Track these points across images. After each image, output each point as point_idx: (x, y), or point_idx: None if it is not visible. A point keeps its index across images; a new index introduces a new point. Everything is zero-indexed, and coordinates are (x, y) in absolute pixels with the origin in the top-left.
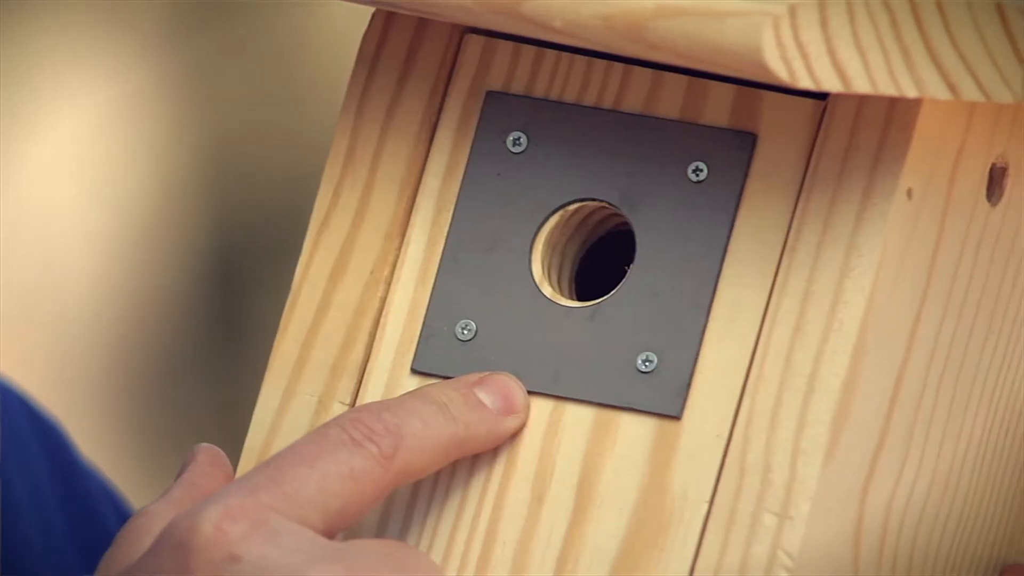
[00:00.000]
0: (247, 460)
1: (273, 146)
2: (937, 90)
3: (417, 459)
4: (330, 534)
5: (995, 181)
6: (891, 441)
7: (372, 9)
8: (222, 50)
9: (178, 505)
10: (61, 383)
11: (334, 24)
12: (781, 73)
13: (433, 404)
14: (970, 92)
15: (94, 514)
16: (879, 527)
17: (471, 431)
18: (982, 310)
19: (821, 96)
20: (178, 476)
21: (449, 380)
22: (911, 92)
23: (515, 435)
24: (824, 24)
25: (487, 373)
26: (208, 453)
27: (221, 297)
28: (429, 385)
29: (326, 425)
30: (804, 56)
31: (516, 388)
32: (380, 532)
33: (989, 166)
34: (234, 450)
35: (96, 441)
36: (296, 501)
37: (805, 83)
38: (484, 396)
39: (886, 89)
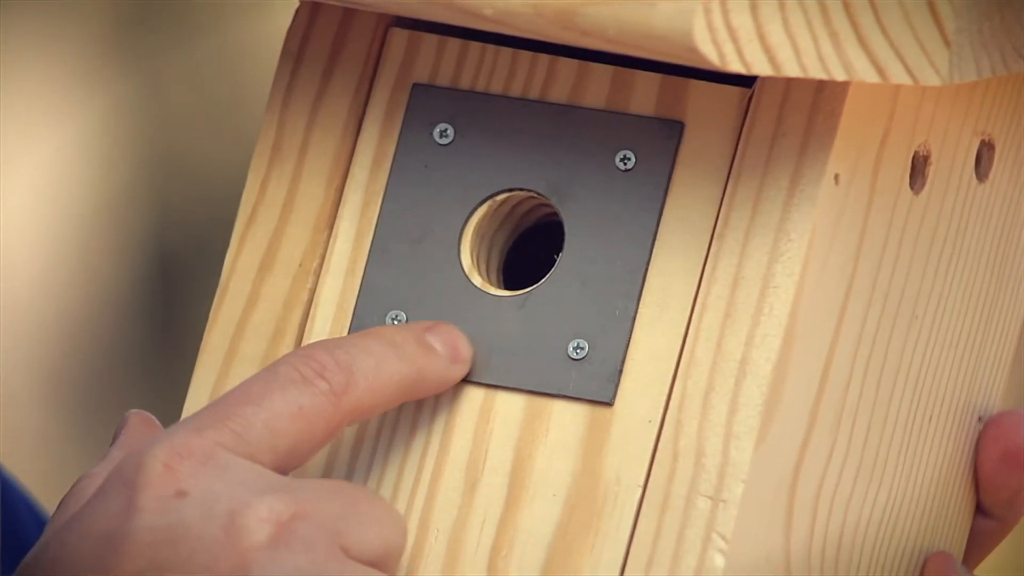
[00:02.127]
0: None
1: (215, 148)
2: (866, 73)
3: (368, 398)
4: (280, 472)
5: (918, 170)
6: (820, 425)
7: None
8: (165, 54)
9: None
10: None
11: (276, 32)
12: (712, 57)
13: (386, 343)
14: (898, 75)
15: (14, 522)
16: (810, 510)
17: (423, 373)
18: (905, 298)
19: (747, 84)
20: (113, 441)
21: (400, 324)
22: (840, 76)
23: (458, 384)
24: (754, 9)
25: (435, 321)
26: (140, 416)
27: (162, 298)
28: (380, 327)
29: (276, 363)
30: (735, 40)
31: (462, 338)
32: None
33: (912, 154)
34: None
35: (37, 440)
36: (244, 439)
37: (736, 67)
38: (434, 341)
39: (816, 73)
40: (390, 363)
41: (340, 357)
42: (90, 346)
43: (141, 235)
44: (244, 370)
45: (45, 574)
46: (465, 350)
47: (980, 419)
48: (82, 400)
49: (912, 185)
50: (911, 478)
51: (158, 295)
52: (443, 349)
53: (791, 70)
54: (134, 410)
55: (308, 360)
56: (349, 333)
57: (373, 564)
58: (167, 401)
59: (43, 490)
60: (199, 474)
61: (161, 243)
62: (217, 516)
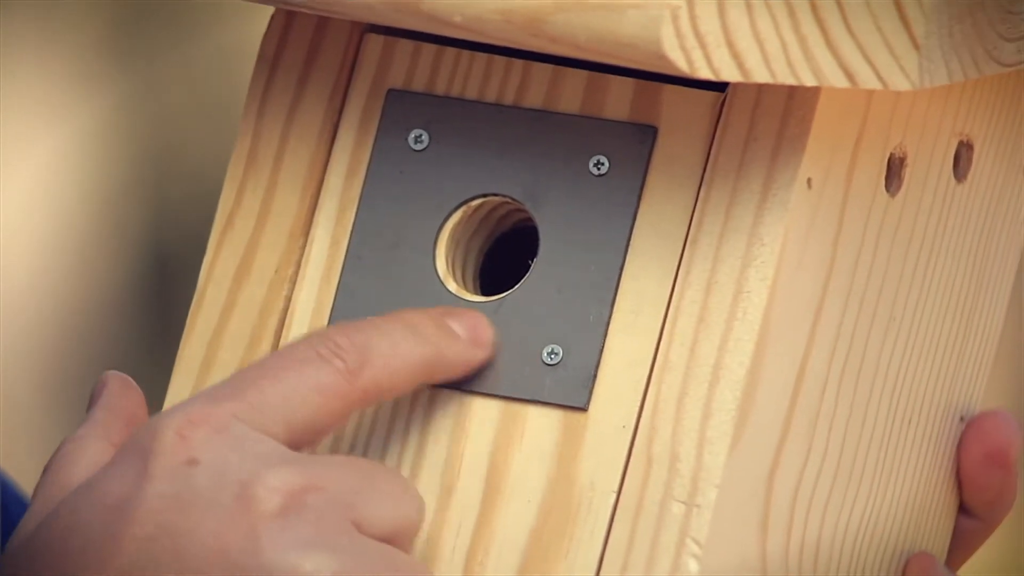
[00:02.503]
0: None
1: (212, 148)
2: (835, 78)
3: (385, 377)
4: (295, 447)
5: (893, 171)
6: (795, 430)
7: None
8: (162, 55)
9: (104, 427)
10: None
11: None
12: (681, 64)
13: (404, 325)
14: (868, 80)
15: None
16: (786, 515)
17: (442, 354)
18: (883, 301)
19: (720, 88)
20: (92, 404)
21: (421, 309)
22: (810, 81)
23: (481, 366)
24: (722, 15)
25: (458, 308)
26: (117, 378)
27: (159, 298)
28: (403, 310)
29: (294, 342)
30: (703, 47)
31: (485, 323)
32: None
33: (887, 156)
34: None
35: (33, 439)
36: (260, 411)
37: (704, 73)
38: (455, 324)
39: (785, 79)
40: (407, 344)
41: (356, 338)
42: (87, 346)
43: (138, 235)
44: (221, 377)
45: (57, 542)
46: (486, 334)
47: (962, 419)
48: (79, 399)
49: (888, 187)
50: (891, 481)
51: (155, 295)
52: (464, 332)
53: (760, 76)
54: (111, 371)
55: (325, 340)
56: None
57: (386, 540)
58: (161, 402)
59: None
60: (212, 443)
61: (158, 243)
62: (228, 485)
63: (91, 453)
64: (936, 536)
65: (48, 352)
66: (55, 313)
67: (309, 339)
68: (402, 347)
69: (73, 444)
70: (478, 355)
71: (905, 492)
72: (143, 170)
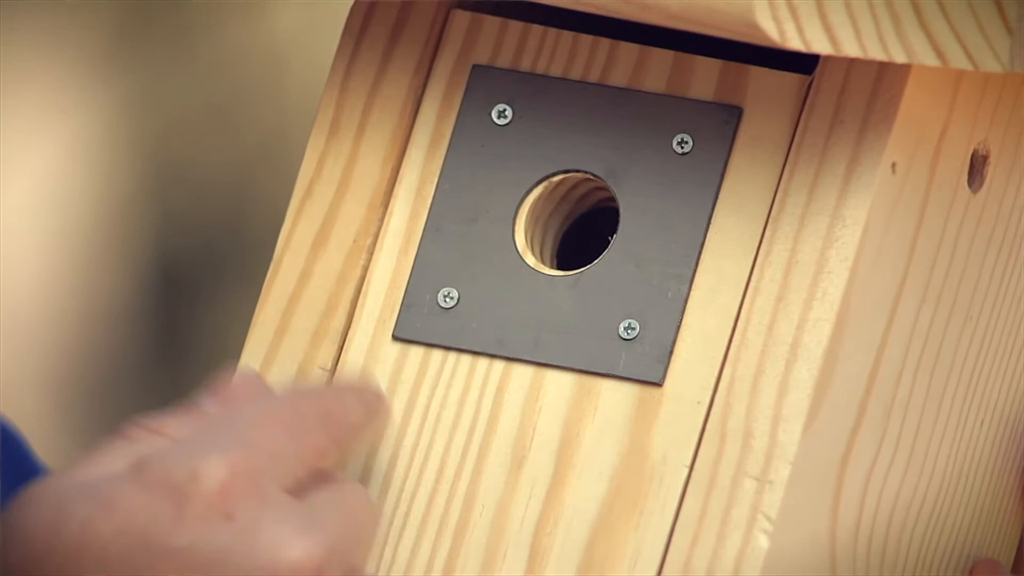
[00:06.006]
0: None
1: (217, 152)
2: (926, 57)
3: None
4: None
5: (976, 168)
6: (870, 416)
7: (319, 13)
8: (166, 60)
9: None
10: (1, 391)
11: (278, 35)
12: (772, 33)
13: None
14: (958, 60)
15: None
16: (857, 501)
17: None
18: (960, 298)
19: (807, 71)
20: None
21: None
22: (900, 57)
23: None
24: None
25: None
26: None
27: (164, 303)
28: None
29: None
30: (795, 18)
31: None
32: None
33: (971, 152)
34: None
35: (39, 447)
36: (281, 465)
37: (795, 44)
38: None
39: (876, 54)
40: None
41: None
42: (92, 352)
43: (142, 239)
44: (295, 343)
45: (74, 552)
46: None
47: None
48: (85, 406)
49: (970, 183)
50: (961, 481)
51: (160, 300)
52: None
53: (851, 50)
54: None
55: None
56: (401, 309)
57: None
58: (169, 405)
59: None
60: (248, 500)
61: (163, 247)
62: (258, 551)
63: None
64: (1003, 544)
65: (53, 358)
66: (59, 318)
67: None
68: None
69: (124, 443)
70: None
71: (974, 495)
72: (148, 174)
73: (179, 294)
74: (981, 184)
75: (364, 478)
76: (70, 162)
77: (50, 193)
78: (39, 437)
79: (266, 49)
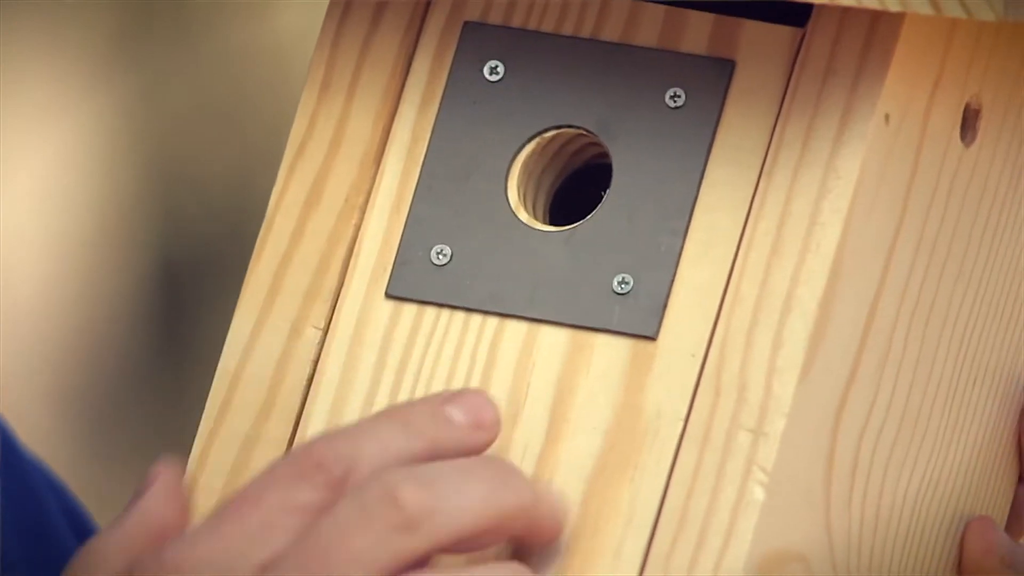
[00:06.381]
0: (219, 384)
1: (218, 151)
2: (920, 6)
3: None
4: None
5: (969, 122)
6: (863, 371)
7: (321, 12)
8: (167, 67)
9: (131, 538)
10: (3, 393)
11: (280, 36)
12: None
13: (396, 422)
14: (952, 8)
15: (38, 506)
16: (851, 456)
17: (437, 446)
18: (953, 254)
19: (799, 25)
20: (135, 496)
21: (421, 398)
22: (894, 6)
23: (484, 449)
24: None
25: (460, 389)
26: (164, 481)
27: (166, 304)
28: (399, 403)
29: (274, 461)
30: None
31: (486, 404)
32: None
33: (964, 105)
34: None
35: (42, 451)
36: (240, 550)
37: None
38: (454, 411)
39: (869, 3)
40: (398, 443)
41: (341, 448)
42: (93, 353)
43: (144, 239)
44: (288, 303)
45: None
46: (488, 415)
47: None
48: (87, 410)
49: (963, 137)
50: (954, 442)
51: (161, 300)
52: (463, 417)
53: None
54: (163, 465)
55: (306, 456)
56: (394, 267)
57: None
58: (172, 409)
59: None
60: None
61: (164, 247)
62: None
63: (111, 566)
64: (996, 503)
65: (55, 361)
66: (60, 319)
67: (291, 455)
68: (392, 447)
69: (94, 554)
70: (480, 438)
71: (967, 455)
72: (150, 173)
73: (181, 294)
74: (974, 138)
75: None
76: (71, 162)
77: (51, 193)
78: (40, 439)
79: (268, 49)
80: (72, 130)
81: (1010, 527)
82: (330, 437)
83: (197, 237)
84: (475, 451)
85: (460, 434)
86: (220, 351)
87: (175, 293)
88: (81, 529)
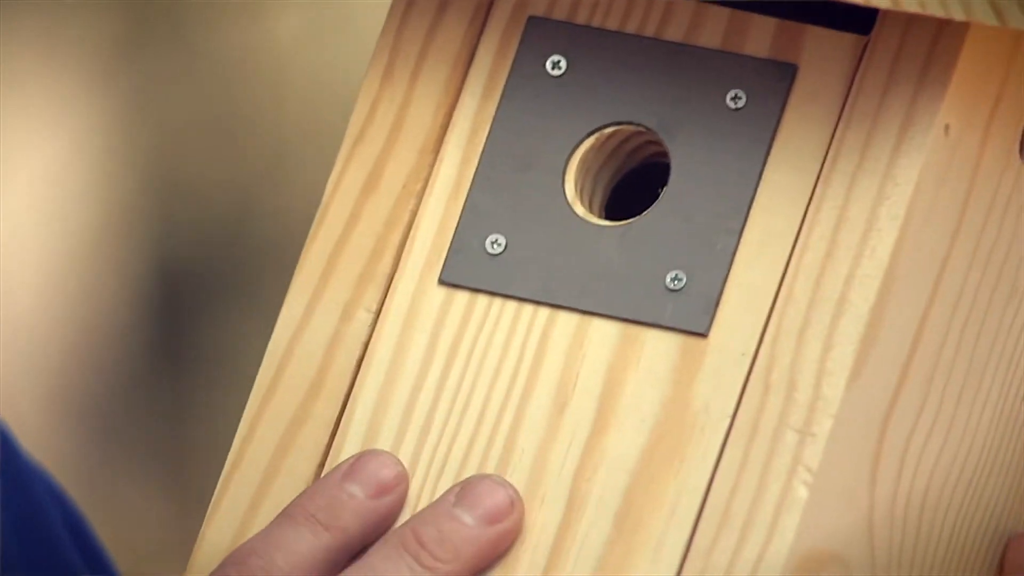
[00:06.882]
0: (269, 363)
1: (217, 162)
2: (985, 16)
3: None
4: None
5: None
6: (913, 378)
7: (312, 19)
8: (165, 72)
9: None
10: (2, 397)
11: (278, 45)
12: None
13: (298, 525)
14: (1016, 20)
15: (39, 512)
16: (896, 461)
17: (347, 529)
18: (1006, 270)
19: (863, 32)
20: None
21: (318, 481)
22: (959, 15)
23: (398, 509)
24: None
25: (353, 458)
26: None
27: (163, 309)
28: (297, 498)
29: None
30: None
31: (383, 464)
32: (397, 443)
33: (1023, 126)
34: (175, 472)
35: (41, 456)
36: None
37: None
38: (353, 487)
39: (934, 10)
40: (306, 545)
41: (254, 569)
42: (91, 360)
43: (142, 245)
44: (341, 286)
45: None
46: (387, 474)
47: None
48: (85, 414)
49: (1022, 155)
50: (1000, 457)
51: (159, 307)
52: (365, 490)
53: (909, 5)
54: None
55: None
56: (448, 254)
57: None
58: (170, 413)
59: None
60: None
61: (163, 254)
62: None
63: None
64: None
65: (51, 365)
66: (58, 326)
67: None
68: (302, 551)
69: None
70: (386, 502)
71: (1012, 469)
72: (148, 179)
73: (179, 301)
74: None
75: (405, 421)
76: (70, 166)
77: (49, 199)
78: (39, 444)
79: (266, 53)
80: (70, 134)
81: None
82: (243, 555)
83: (196, 240)
84: (389, 516)
85: (365, 509)
86: (219, 356)
87: (174, 296)
88: (80, 535)
